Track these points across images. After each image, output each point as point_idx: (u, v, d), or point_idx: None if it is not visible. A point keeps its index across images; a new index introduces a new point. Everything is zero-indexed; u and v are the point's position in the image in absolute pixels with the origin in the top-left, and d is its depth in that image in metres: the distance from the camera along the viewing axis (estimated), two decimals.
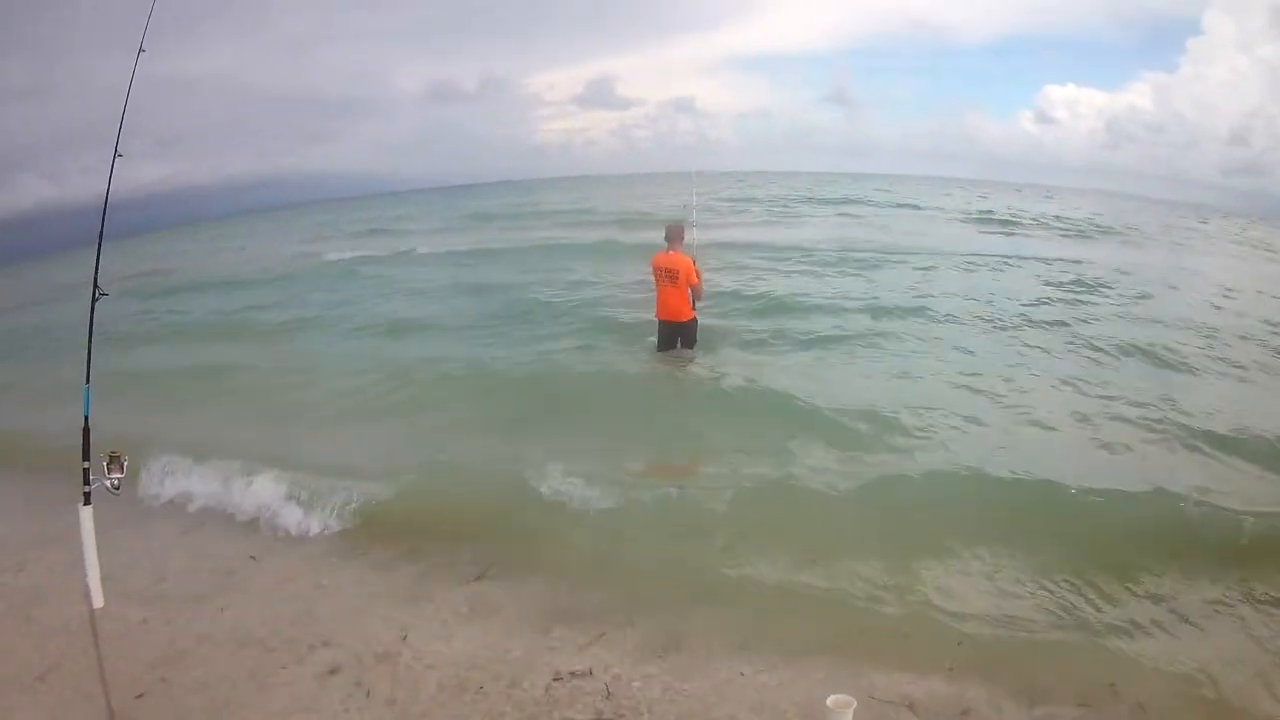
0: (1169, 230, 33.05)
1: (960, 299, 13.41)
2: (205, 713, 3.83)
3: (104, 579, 3.33)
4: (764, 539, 5.31)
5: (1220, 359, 10.25)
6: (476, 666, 4.14)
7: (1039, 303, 13.42)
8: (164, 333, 14.99)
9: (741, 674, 4.03)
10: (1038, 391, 8.46)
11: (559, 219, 32.35)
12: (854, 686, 3.77)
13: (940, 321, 11.78)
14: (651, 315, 9.46)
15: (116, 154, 3.84)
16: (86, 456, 3.39)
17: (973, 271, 17.09)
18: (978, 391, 8.38)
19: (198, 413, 8.97)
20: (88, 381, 3.51)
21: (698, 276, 9.13)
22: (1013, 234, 26.25)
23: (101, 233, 3.84)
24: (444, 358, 10.56)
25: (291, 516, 5.84)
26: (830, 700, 2.95)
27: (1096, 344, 10.52)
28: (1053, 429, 7.38)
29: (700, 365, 9.39)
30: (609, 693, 3.92)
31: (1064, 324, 11.79)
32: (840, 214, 31.76)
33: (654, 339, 9.72)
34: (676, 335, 9.44)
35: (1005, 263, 18.46)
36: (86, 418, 3.45)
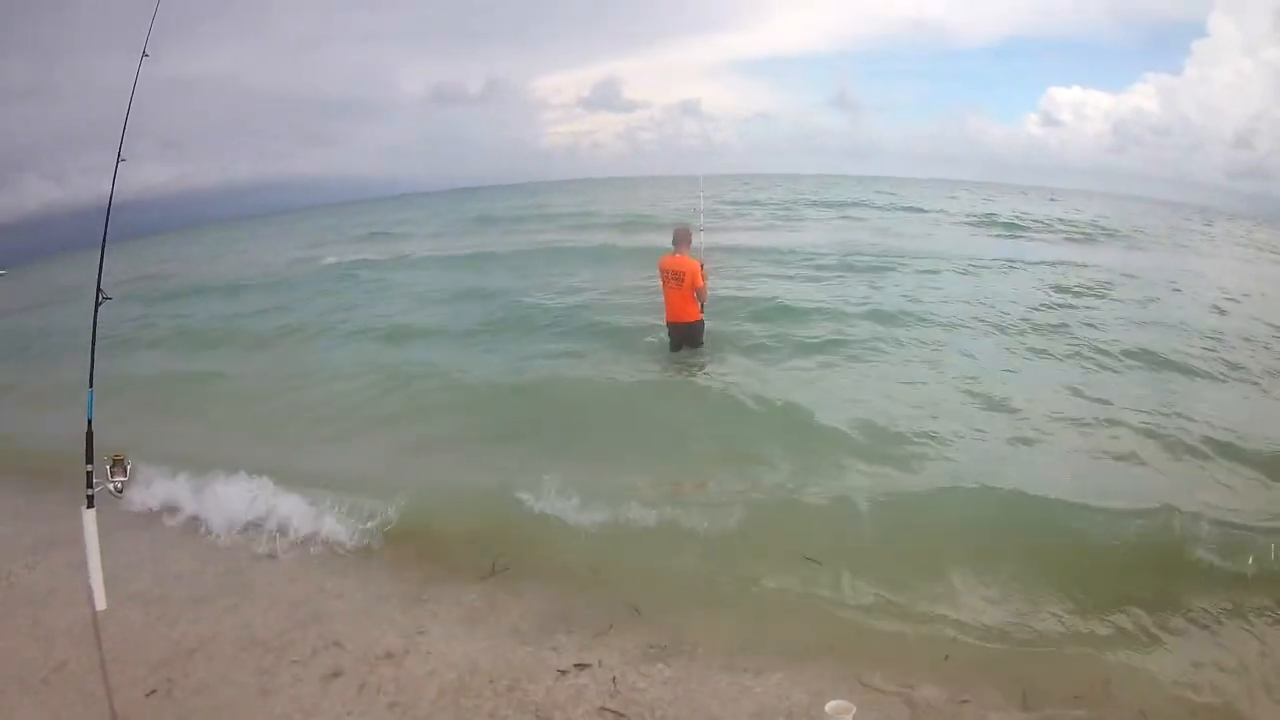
0: (1175, 233, 32.92)
1: (964, 304, 13.31)
2: (208, 715, 3.84)
3: (107, 581, 3.34)
4: (764, 546, 5.30)
5: (1226, 364, 10.17)
6: (478, 670, 4.15)
7: (1043, 307, 13.33)
8: (162, 338, 14.96)
9: (742, 678, 4.04)
10: (1040, 399, 8.35)
11: (563, 222, 32.28)
12: (853, 691, 3.78)
13: (943, 327, 11.68)
14: (652, 319, 9.51)
15: (120, 158, 3.85)
16: (90, 459, 3.40)
17: (976, 276, 16.95)
18: (980, 399, 8.31)
19: (196, 419, 8.99)
20: (91, 385, 3.53)
21: (704, 279, 9.22)
22: (1017, 237, 26.15)
23: (105, 237, 3.85)
24: (441, 364, 10.49)
25: (293, 522, 5.82)
26: (829, 706, 2.96)
27: (1101, 349, 10.44)
28: (1056, 438, 7.30)
29: (700, 372, 9.42)
30: (612, 692, 3.95)
31: (1068, 328, 11.71)
32: (843, 217, 31.65)
33: (652, 340, 10.12)
34: (684, 336, 9.61)
35: (1010, 266, 18.36)
36: (90, 421, 3.46)
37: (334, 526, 5.70)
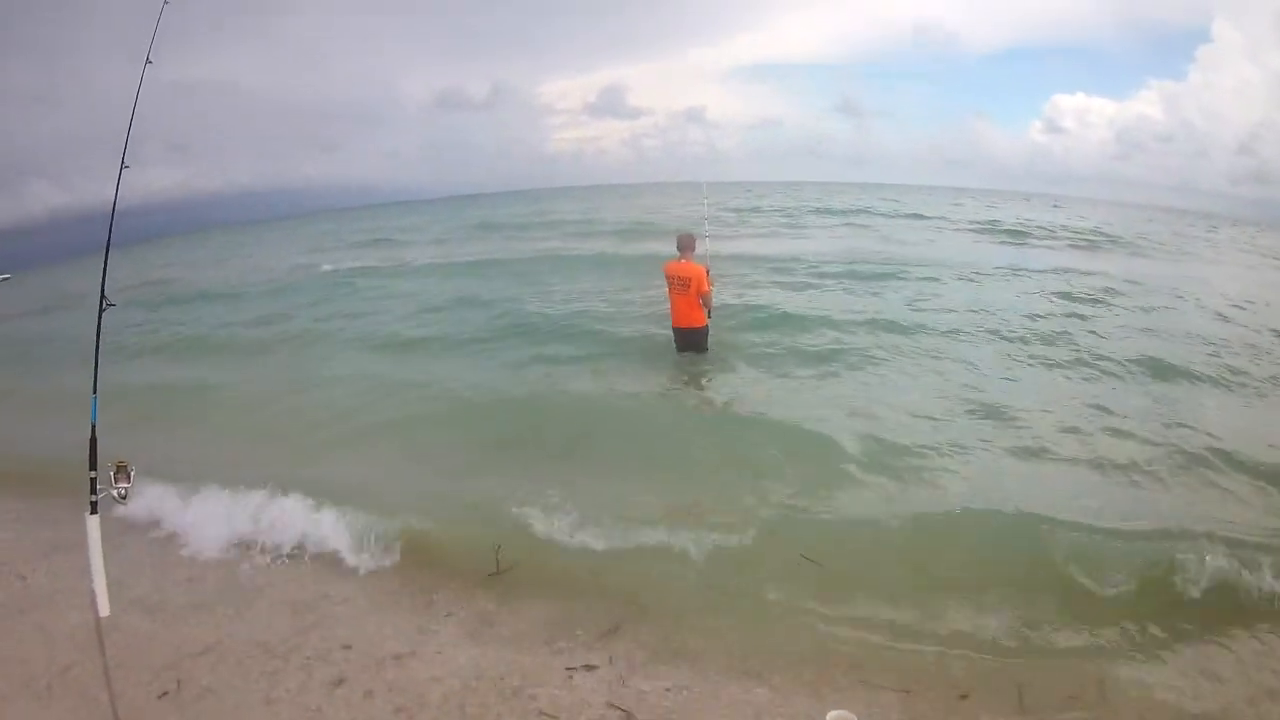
0: (1179, 239, 32.90)
1: (967, 312, 13.27)
2: None
3: (110, 587, 3.34)
4: (766, 556, 5.28)
5: (1229, 370, 10.13)
6: (484, 674, 4.16)
7: (1046, 315, 13.27)
8: (162, 344, 14.83)
9: (746, 683, 4.06)
10: (1043, 409, 8.29)
11: (566, 229, 32.34)
12: (854, 696, 3.80)
13: (946, 336, 11.61)
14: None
15: (123, 166, 3.87)
16: (94, 466, 3.41)
17: (979, 283, 16.94)
18: (982, 409, 8.25)
19: (193, 426, 8.95)
20: (95, 392, 3.53)
21: (709, 284, 9.32)
22: (1021, 244, 26.16)
23: (108, 244, 3.86)
24: (439, 374, 10.44)
25: (295, 531, 5.79)
26: (830, 716, 2.96)
27: (1105, 357, 10.41)
28: (1058, 449, 7.23)
29: (702, 381, 9.46)
30: (619, 692, 3.98)
31: (1071, 336, 11.66)
32: (847, 224, 31.77)
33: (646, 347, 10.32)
34: (689, 342, 9.71)
35: (1014, 273, 18.34)
36: (94, 427, 3.47)
37: (336, 534, 5.66)
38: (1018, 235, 28.64)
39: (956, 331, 11.89)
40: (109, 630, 3.45)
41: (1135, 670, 4.15)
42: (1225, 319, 13.72)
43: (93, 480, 3.39)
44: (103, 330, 3.67)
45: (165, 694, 4.05)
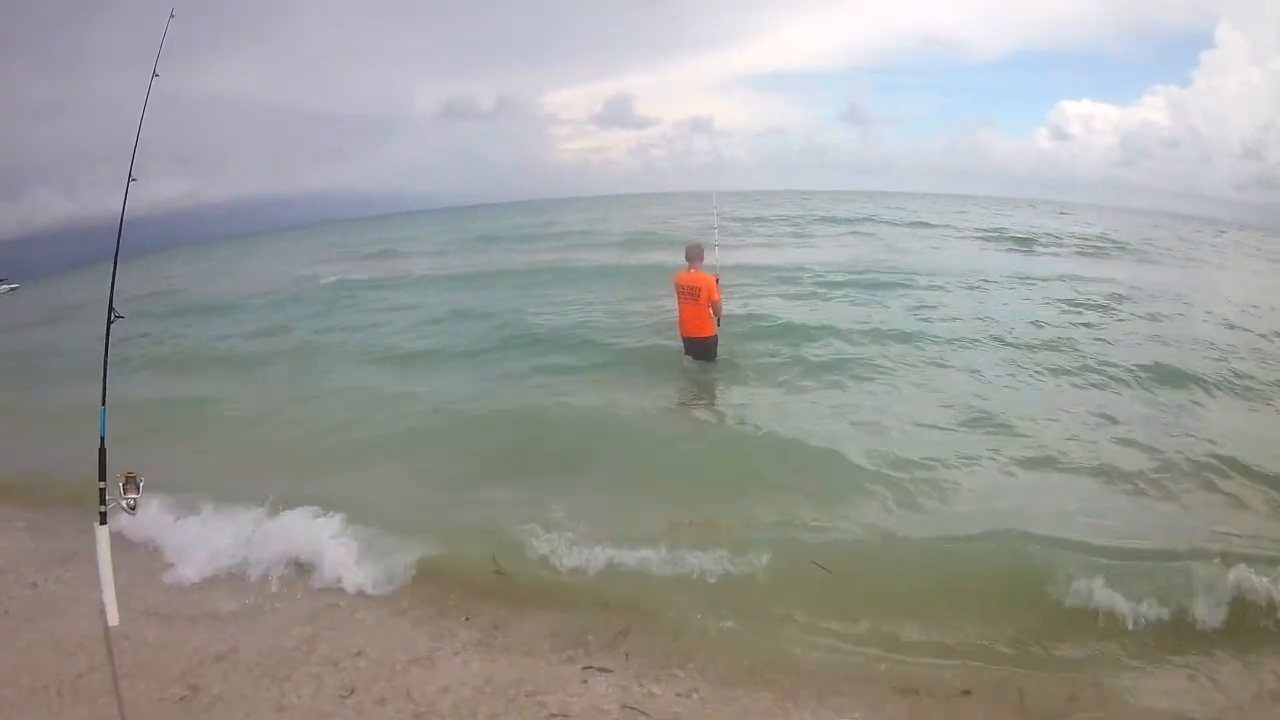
0: (1185, 246, 32.86)
1: (971, 321, 13.26)
2: None
3: (120, 597, 3.36)
4: (770, 571, 5.21)
5: (1234, 375, 10.12)
6: (491, 686, 4.16)
7: (1053, 323, 13.25)
8: (160, 358, 14.60)
9: (753, 692, 4.08)
10: (1048, 419, 8.24)
11: (571, 240, 32.36)
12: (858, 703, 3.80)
13: (951, 345, 11.56)
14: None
15: (130, 178, 3.89)
16: (103, 476, 3.42)
17: (984, 291, 16.90)
18: (987, 421, 8.18)
19: (190, 440, 8.83)
20: (104, 403, 3.55)
21: (719, 294, 9.40)
22: (1027, 252, 26.13)
23: (116, 257, 3.88)
24: (438, 389, 10.35)
25: (303, 546, 5.73)
26: None
27: (1111, 365, 10.35)
28: (1063, 460, 7.15)
29: (706, 394, 9.48)
30: (633, 694, 4.04)
31: (1077, 345, 11.58)
32: (852, 233, 31.71)
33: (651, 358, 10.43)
34: (698, 351, 9.79)
35: (1019, 281, 18.33)
36: (103, 438, 3.48)
37: (342, 548, 5.58)
38: (1024, 243, 28.67)
39: (962, 340, 11.88)
40: (118, 639, 3.46)
41: (1138, 679, 4.16)
42: (1231, 325, 13.66)
43: (102, 491, 3.40)
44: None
45: (175, 702, 4.06)
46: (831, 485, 6.58)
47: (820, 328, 12.53)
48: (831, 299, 15.84)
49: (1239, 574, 4.76)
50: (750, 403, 8.98)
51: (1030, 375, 10.18)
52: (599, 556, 5.32)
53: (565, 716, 3.89)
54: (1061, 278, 18.90)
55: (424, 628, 4.81)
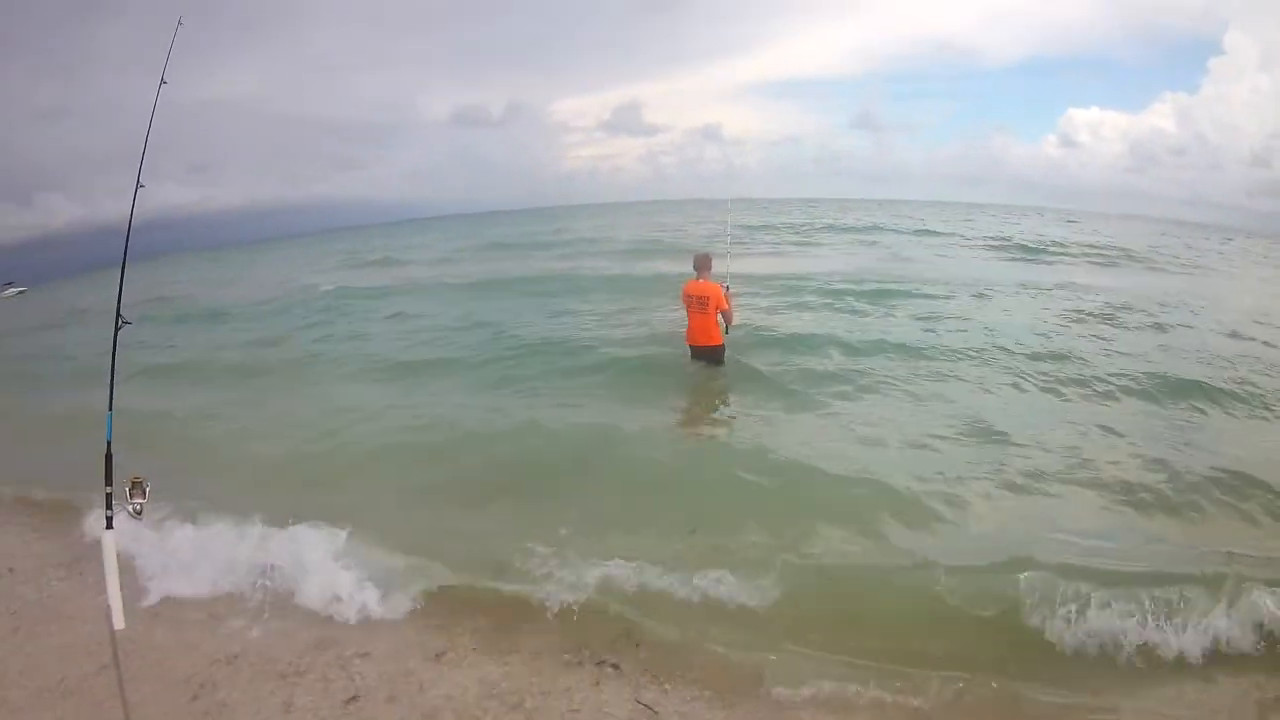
0: (1194, 254, 32.66)
1: (975, 333, 12.98)
2: None
3: (125, 601, 3.38)
4: (767, 590, 5.10)
5: (1238, 383, 10.04)
6: (494, 695, 4.19)
7: (1059, 334, 13.09)
8: (156, 367, 14.03)
9: (755, 703, 4.12)
10: (1054, 436, 8.03)
11: (579, 248, 32.22)
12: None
13: (956, 359, 11.30)
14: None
15: (139, 185, 3.93)
16: (109, 481, 3.45)
17: (990, 301, 16.75)
18: (990, 437, 7.99)
19: (188, 453, 8.47)
20: (110, 408, 3.58)
21: (728, 302, 9.46)
22: (1034, 261, 25.98)
23: (124, 263, 3.91)
24: (438, 402, 10.23)
25: (303, 559, 5.69)
26: None
27: (1118, 377, 10.22)
28: (1070, 480, 6.93)
29: (701, 410, 9.46)
30: (643, 690, 4.14)
31: (1084, 357, 11.38)
32: (860, 242, 31.60)
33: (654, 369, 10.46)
34: (706, 359, 9.84)
35: (1025, 290, 18.21)
36: (109, 443, 3.51)
37: (345, 565, 5.45)
38: (1031, 251, 28.47)
39: (965, 352, 11.67)
40: (124, 643, 3.48)
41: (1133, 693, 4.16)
42: (1238, 335, 13.51)
43: (108, 496, 3.43)
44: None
45: (182, 705, 4.09)
46: (829, 505, 6.39)
47: (821, 338, 12.43)
48: (834, 309, 15.66)
49: (1248, 599, 4.62)
50: (751, 417, 8.86)
51: (1033, 388, 10.02)
52: (600, 571, 5.26)
53: (580, 707, 3.97)
54: (1067, 287, 18.77)
55: (429, 638, 4.81)
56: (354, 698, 4.18)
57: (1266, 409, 9.32)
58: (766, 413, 8.95)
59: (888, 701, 4.06)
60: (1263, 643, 4.46)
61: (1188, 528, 6.12)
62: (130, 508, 3.41)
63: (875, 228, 38.73)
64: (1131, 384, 9.96)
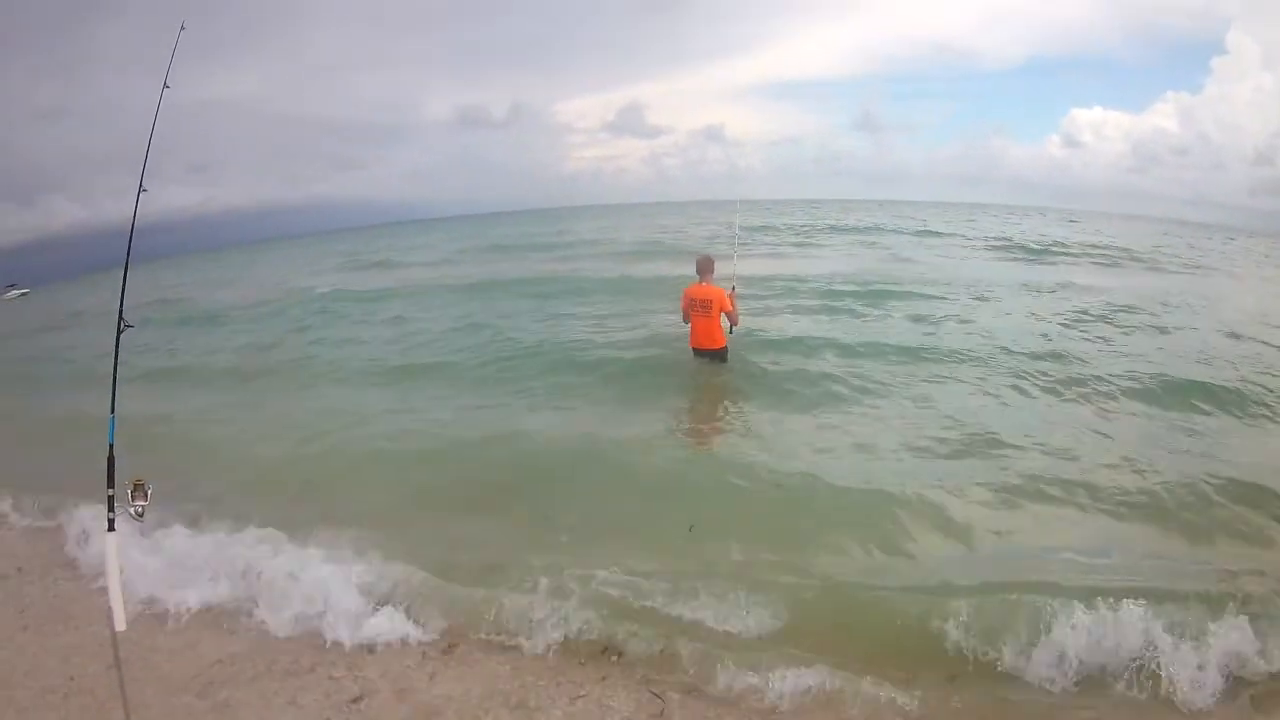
0: (1195, 253, 32.57)
1: (975, 335, 12.92)
2: None
3: (127, 602, 3.40)
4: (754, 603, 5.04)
5: (1252, 386, 9.90)
6: (496, 694, 4.22)
7: (1058, 336, 12.98)
8: (150, 371, 13.61)
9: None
10: (1055, 443, 7.85)
11: (580, 249, 32.12)
12: None
13: (955, 363, 11.14)
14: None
15: (141, 189, 3.95)
16: (111, 484, 3.47)
17: (990, 303, 16.66)
18: (990, 444, 7.82)
19: (180, 458, 8.35)
20: (113, 411, 3.60)
21: (732, 304, 9.46)
22: (1036, 261, 25.94)
23: (126, 266, 3.93)
24: (433, 407, 10.13)
25: (311, 554, 5.65)
26: None
27: (1119, 379, 10.10)
28: (1069, 492, 6.71)
29: (696, 418, 9.43)
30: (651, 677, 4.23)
31: (1084, 360, 11.26)
32: (860, 243, 31.51)
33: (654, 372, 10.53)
34: (710, 359, 9.85)
35: (1027, 292, 18.13)
36: (111, 446, 3.53)
37: (346, 564, 5.42)
38: (1033, 252, 28.43)
39: (965, 354, 11.53)
40: (126, 644, 3.50)
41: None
42: (1241, 336, 13.38)
43: (110, 498, 3.45)
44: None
45: (180, 709, 4.11)
46: (826, 509, 6.38)
47: (820, 340, 12.37)
48: (833, 310, 15.57)
49: (1245, 621, 4.42)
50: (751, 420, 8.83)
51: (1032, 392, 9.88)
52: (599, 573, 5.23)
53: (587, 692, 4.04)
54: (1068, 287, 18.72)
55: (431, 640, 4.82)
56: (358, 697, 4.21)
57: (1272, 411, 9.20)
58: (766, 416, 8.90)
59: (880, 703, 4.08)
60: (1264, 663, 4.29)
61: (1190, 540, 5.99)
62: (132, 510, 3.43)
63: (876, 228, 38.66)
64: (1134, 385, 9.87)
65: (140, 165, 4.04)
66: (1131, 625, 4.42)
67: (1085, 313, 15.12)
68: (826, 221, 43.48)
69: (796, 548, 5.71)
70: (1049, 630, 4.45)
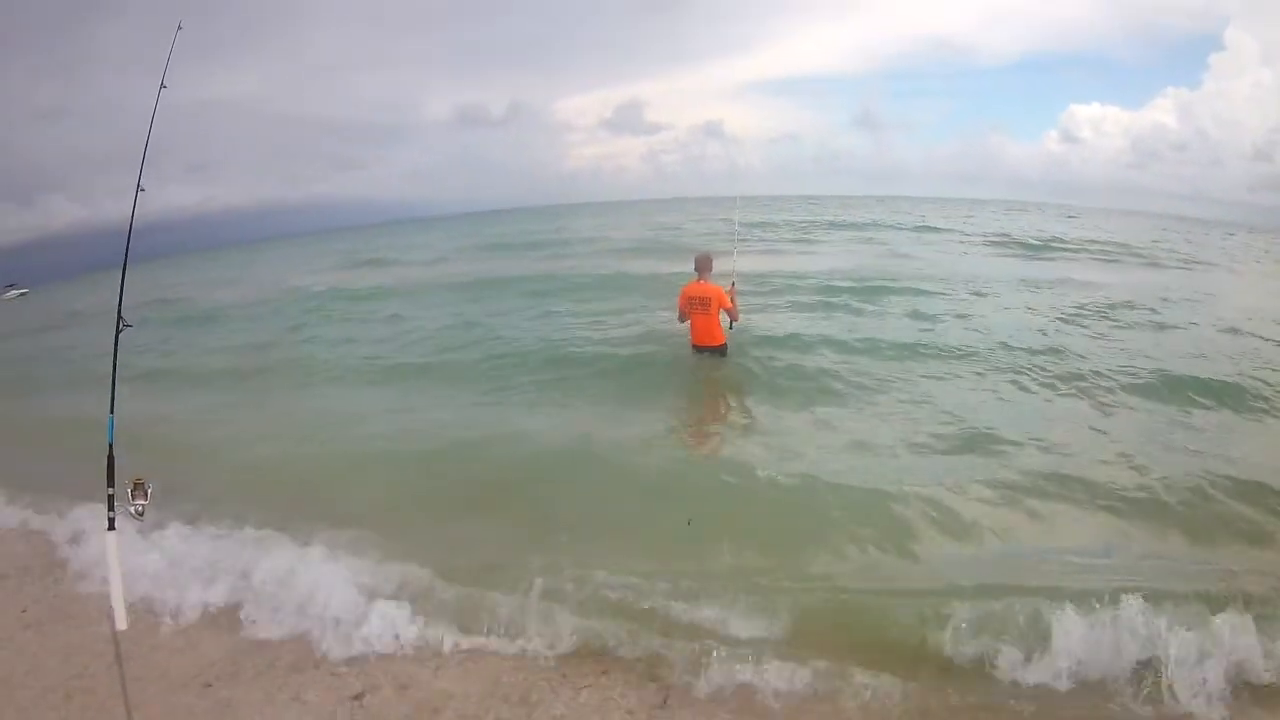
0: (1193, 248, 32.51)
1: (974, 332, 12.88)
2: None
3: (129, 602, 3.41)
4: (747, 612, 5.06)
5: (1243, 384, 9.82)
6: (497, 693, 4.24)
7: (1057, 333, 12.93)
8: (147, 372, 13.35)
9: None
10: (1047, 442, 7.76)
11: (578, 247, 32.02)
12: None
13: (953, 360, 11.07)
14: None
15: (139, 189, 3.95)
16: (111, 483, 3.48)
17: (988, 299, 16.61)
18: (990, 442, 7.74)
19: (174, 460, 8.43)
20: (112, 411, 3.61)
21: (733, 300, 9.50)
22: (1034, 258, 25.92)
23: (124, 266, 3.93)
24: (429, 409, 10.10)
25: (311, 554, 5.62)
26: None
27: (1118, 375, 10.08)
28: (1069, 493, 6.60)
29: (691, 420, 9.37)
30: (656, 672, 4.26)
31: (1083, 356, 11.20)
32: (858, 238, 31.51)
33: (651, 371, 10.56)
34: (710, 358, 9.89)
35: (1025, 288, 18.12)
36: (110, 445, 3.54)
37: (346, 563, 5.44)
38: (1031, 248, 28.39)
39: (964, 350, 11.50)
40: (128, 643, 3.51)
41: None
42: (1240, 331, 13.34)
43: (110, 497, 3.46)
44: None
45: (183, 707, 4.12)
46: (824, 509, 6.30)
47: (817, 337, 12.30)
48: (831, 307, 15.51)
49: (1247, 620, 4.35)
50: (749, 419, 8.86)
51: (1030, 388, 9.86)
52: (598, 573, 5.22)
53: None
54: (1066, 283, 18.67)
55: (433, 639, 4.81)
56: (360, 694, 4.22)
57: (1271, 406, 9.17)
58: (764, 413, 8.91)
59: (879, 702, 4.09)
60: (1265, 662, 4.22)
61: (1189, 538, 5.93)
62: (132, 509, 3.44)
63: (875, 224, 38.63)
64: (1133, 381, 9.85)
65: (136, 161, 4.05)
66: (1131, 625, 4.37)
67: (1084, 308, 15.05)
68: (825, 218, 43.21)
69: (795, 546, 5.70)
70: (1048, 630, 4.41)
